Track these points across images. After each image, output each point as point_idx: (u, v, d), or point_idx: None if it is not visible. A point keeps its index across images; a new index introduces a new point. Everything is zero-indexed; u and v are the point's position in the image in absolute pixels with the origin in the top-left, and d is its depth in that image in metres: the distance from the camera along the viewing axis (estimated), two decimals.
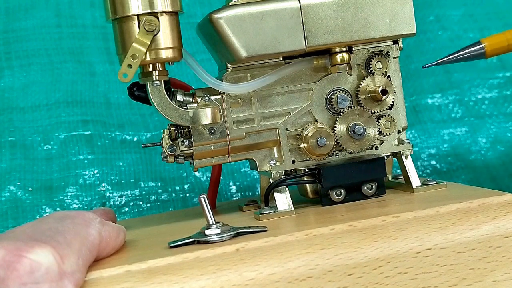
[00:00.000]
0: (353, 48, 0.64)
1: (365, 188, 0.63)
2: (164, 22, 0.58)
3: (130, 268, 0.50)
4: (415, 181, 0.64)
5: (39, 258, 0.44)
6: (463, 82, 0.96)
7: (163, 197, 0.84)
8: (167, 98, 0.60)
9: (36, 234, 0.47)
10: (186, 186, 0.85)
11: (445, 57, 0.66)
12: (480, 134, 0.93)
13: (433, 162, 0.91)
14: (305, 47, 0.61)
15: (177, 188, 0.84)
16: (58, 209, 0.80)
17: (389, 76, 0.65)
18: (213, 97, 0.62)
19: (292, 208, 0.61)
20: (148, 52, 0.58)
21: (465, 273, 0.52)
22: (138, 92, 0.62)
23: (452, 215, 0.54)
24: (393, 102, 0.65)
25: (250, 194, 0.85)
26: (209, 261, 0.50)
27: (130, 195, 0.83)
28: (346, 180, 0.62)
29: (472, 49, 0.65)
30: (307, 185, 0.65)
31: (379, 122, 0.65)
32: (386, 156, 0.65)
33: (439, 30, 0.99)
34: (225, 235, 0.54)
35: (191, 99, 0.62)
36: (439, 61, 0.66)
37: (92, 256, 0.50)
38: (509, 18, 1.00)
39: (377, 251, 0.51)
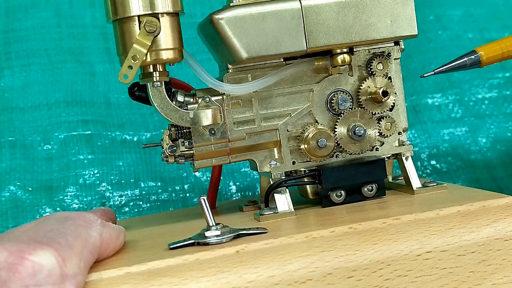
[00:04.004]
0: (354, 49, 0.64)
1: (366, 189, 0.63)
2: (165, 23, 0.58)
3: (130, 269, 0.50)
4: (416, 182, 0.64)
5: (41, 260, 0.44)
6: (463, 82, 0.96)
7: (163, 197, 0.84)
8: (168, 99, 0.60)
9: (38, 236, 0.47)
10: (186, 186, 0.85)
11: (442, 66, 0.66)
12: (480, 134, 0.93)
13: (433, 162, 0.91)
14: (306, 48, 0.61)
15: (177, 188, 0.84)
16: (58, 209, 0.80)
17: (390, 77, 0.65)
18: (213, 98, 0.62)
19: (292, 210, 0.61)
20: (148, 53, 0.58)
21: (465, 276, 0.52)
22: (138, 92, 0.62)
23: (453, 217, 0.54)
24: (394, 103, 0.65)
25: (250, 194, 0.85)
26: (209, 263, 0.50)
27: (130, 195, 0.83)
28: (346, 182, 0.62)
29: (468, 58, 0.65)
30: (308, 186, 0.65)
31: (379, 124, 0.65)
32: (387, 157, 0.65)
33: (439, 30, 0.99)
34: (225, 236, 0.54)
35: (191, 100, 0.62)
36: (436, 71, 0.66)
37: (93, 258, 0.50)
38: (508, 19, 1.00)
39: (377, 253, 0.51)
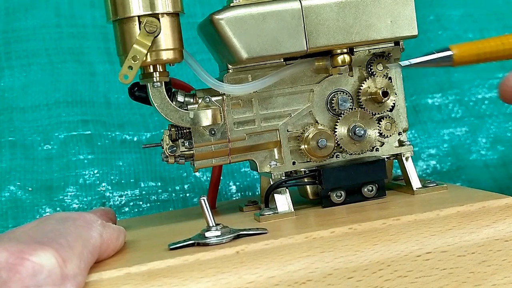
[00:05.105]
0: (354, 50, 0.64)
1: (366, 190, 0.63)
2: (165, 23, 0.58)
3: (130, 270, 0.50)
4: (416, 183, 0.64)
5: (41, 261, 0.44)
6: (463, 82, 0.96)
7: (163, 197, 0.84)
8: (168, 99, 0.60)
9: (38, 236, 0.47)
10: (186, 186, 0.84)
11: (412, 59, 0.62)
12: (480, 134, 0.93)
13: (433, 162, 0.91)
14: (306, 49, 0.61)
15: (177, 188, 0.84)
16: (58, 209, 0.80)
17: (390, 78, 0.65)
18: (213, 98, 0.62)
19: (292, 210, 0.61)
20: (148, 54, 0.58)
21: (465, 277, 0.52)
22: (138, 92, 0.62)
23: (453, 218, 0.54)
24: (394, 103, 0.65)
25: (250, 194, 0.85)
26: (209, 264, 0.50)
27: (130, 195, 0.83)
28: (346, 182, 0.62)
29: (440, 55, 0.61)
30: (308, 186, 0.65)
31: (380, 124, 0.65)
32: (387, 157, 0.65)
33: (439, 30, 0.99)
34: (225, 237, 0.54)
35: (191, 100, 0.62)
36: (407, 64, 0.62)
37: (93, 258, 0.50)
38: (509, 19, 1.00)
39: (377, 254, 0.51)
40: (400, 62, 0.63)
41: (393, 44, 0.65)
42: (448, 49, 0.61)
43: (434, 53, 0.61)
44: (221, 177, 0.71)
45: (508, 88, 0.59)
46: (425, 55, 0.62)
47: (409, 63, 0.62)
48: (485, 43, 0.61)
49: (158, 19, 0.58)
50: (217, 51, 0.64)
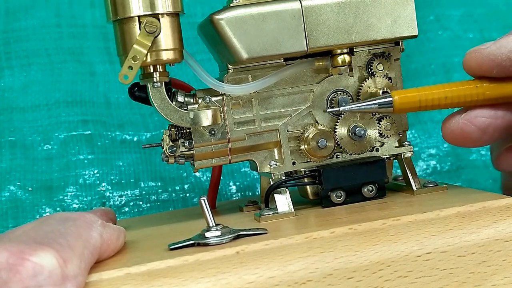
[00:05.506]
0: (354, 50, 0.64)
1: (366, 190, 0.63)
2: (165, 23, 0.58)
3: (130, 270, 0.50)
4: (416, 183, 0.64)
5: (42, 261, 0.44)
6: None
7: (163, 197, 0.83)
8: (168, 99, 0.60)
9: (38, 236, 0.47)
10: (186, 186, 0.84)
11: (353, 104, 0.61)
12: None
13: (433, 162, 0.91)
14: (306, 49, 0.61)
15: (177, 188, 0.84)
16: (58, 209, 0.80)
17: (390, 78, 0.65)
18: (213, 98, 0.62)
19: (292, 210, 0.61)
20: (148, 54, 0.58)
21: (465, 277, 0.52)
22: (138, 93, 0.62)
23: (453, 218, 0.54)
24: None
25: (250, 194, 0.85)
26: (209, 264, 0.50)
27: (130, 195, 0.83)
28: (346, 182, 0.62)
29: (381, 100, 0.60)
30: (308, 186, 0.65)
31: (380, 124, 0.65)
32: (387, 157, 0.65)
33: (439, 30, 0.99)
34: (225, 237, 0.54)
35: (191, 100, 0.62)
36: (346, 108, 0.61)
37: (94, 258, 0.50)
38: (509, 19, 1.00)
39: (377, 254, 0.51)
40: (339, 108, 0.62)
41: (393, 44, 0.65)
42: (389, 96, 0.60)
43: (375, 100, 0.60)
44: (221, 177, 0.71)
45: (450, 132, 0.60)
46: (366, 101, 0.61)
47: (349, 108, 0.61)
48: (427, 90, 0.61)
49: (158, 19, 0.58)
50: (217, 51, 0.64)
